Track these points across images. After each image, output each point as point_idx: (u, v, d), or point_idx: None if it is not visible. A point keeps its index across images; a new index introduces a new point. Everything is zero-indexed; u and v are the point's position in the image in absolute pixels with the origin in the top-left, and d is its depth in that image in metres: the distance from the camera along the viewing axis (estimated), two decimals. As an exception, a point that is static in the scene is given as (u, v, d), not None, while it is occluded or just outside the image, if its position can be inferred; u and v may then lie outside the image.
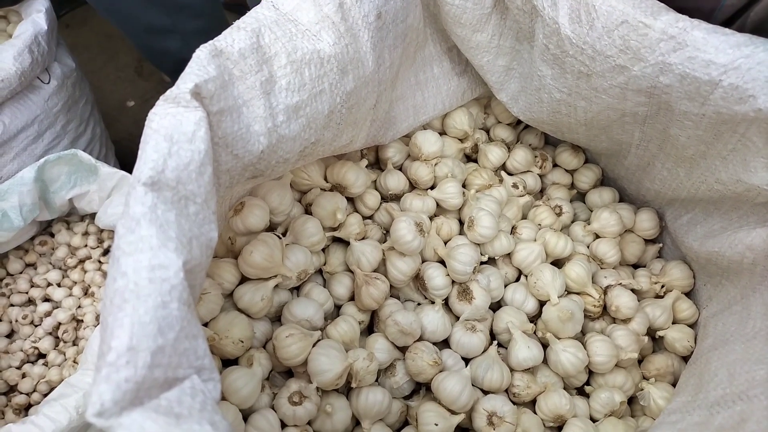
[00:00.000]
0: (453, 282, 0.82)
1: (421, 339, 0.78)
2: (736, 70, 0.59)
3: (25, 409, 0.99)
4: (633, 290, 0.86)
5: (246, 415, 0.68)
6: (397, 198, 0.91)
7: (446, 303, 0.83)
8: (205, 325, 0.69)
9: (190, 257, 0.48)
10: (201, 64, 0.54)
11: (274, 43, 0.61)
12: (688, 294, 0.88)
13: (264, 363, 0.71)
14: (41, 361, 1.01)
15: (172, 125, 0.49)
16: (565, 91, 0.78)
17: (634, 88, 0.70)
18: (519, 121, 1.04)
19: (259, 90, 0.60)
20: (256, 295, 0.72)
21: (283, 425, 0.69)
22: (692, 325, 0.86)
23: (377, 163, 0.96)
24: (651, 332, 0.85)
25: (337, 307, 0.83)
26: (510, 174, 0.99)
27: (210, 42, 0.56)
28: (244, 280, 0.75)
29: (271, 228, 0.80)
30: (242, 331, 0.69)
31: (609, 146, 0.88)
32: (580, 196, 1.03)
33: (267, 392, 0.71)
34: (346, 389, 0.75)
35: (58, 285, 1.08)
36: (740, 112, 0.62)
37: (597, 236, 0.94)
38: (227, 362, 0.72)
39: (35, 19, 1.10)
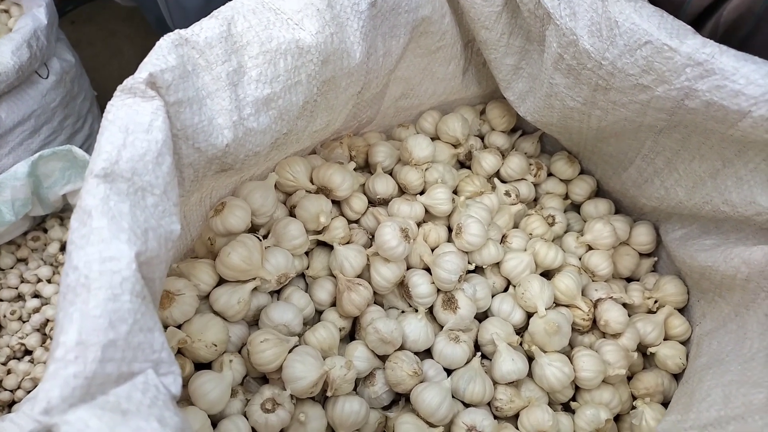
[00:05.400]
0: (438, 290, 0.80)
1: (402, 348, 0.76)
2: (767, 103, 0.55)
3: (8, 406, 0.98)
4: (624, 304, 0.83)
5: (217, 421, 0.66)
6: (385, 203, 0.89)
7: (431, 312, 0.81)
8: (179, 327, 0.68)
9: (144, 248, 0.46)
10: (161, 53, 0.53)
11: (246, 31, 0.60)
12: (682, 310, 0.85)
13: (238, 368, 0.70)
14: (27, 357, 1.01)
15: (127, 116, 0.48)
16: (579, 101, 0.75)
17: (656, 107, 0.66)
18: (515, 129, 1.02)
19: (225, 81, 0.58)
20: (233, 297, 0.70)
21: (255, 433, 0.67)
22: (684, 342, 0.83)
23: (367, 167, 0.94)
24: (642, 348, 0.83)
25: (319, 313, 0.81)
26: (504, 182, 0.97)
27: (177, 30, 0.55)
28: (221, 282, 0.73)
29: (253, 230, 0.79)
30: (216, 335, 0.68)
31: (614, 152, 0.85)
32: (575, 207, 1.01)
33: (240, 398, 0.69)
34: (323, 398, 0.73)
35: (48, 281, 1.07)
36: None
37: (590, 248, 0.91)
38: (202, 366, 0.71)
39: (35, 14, 1.10)
